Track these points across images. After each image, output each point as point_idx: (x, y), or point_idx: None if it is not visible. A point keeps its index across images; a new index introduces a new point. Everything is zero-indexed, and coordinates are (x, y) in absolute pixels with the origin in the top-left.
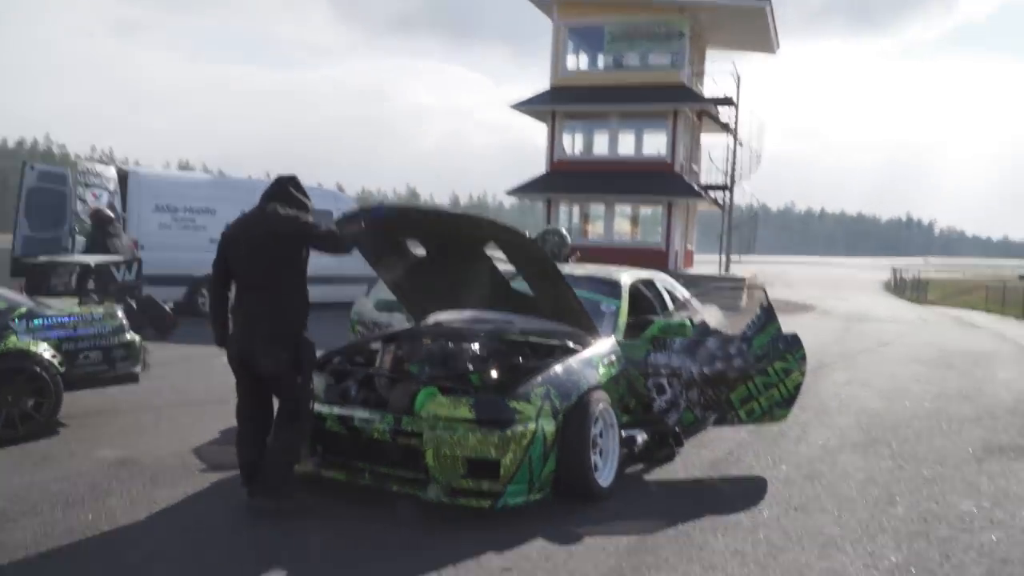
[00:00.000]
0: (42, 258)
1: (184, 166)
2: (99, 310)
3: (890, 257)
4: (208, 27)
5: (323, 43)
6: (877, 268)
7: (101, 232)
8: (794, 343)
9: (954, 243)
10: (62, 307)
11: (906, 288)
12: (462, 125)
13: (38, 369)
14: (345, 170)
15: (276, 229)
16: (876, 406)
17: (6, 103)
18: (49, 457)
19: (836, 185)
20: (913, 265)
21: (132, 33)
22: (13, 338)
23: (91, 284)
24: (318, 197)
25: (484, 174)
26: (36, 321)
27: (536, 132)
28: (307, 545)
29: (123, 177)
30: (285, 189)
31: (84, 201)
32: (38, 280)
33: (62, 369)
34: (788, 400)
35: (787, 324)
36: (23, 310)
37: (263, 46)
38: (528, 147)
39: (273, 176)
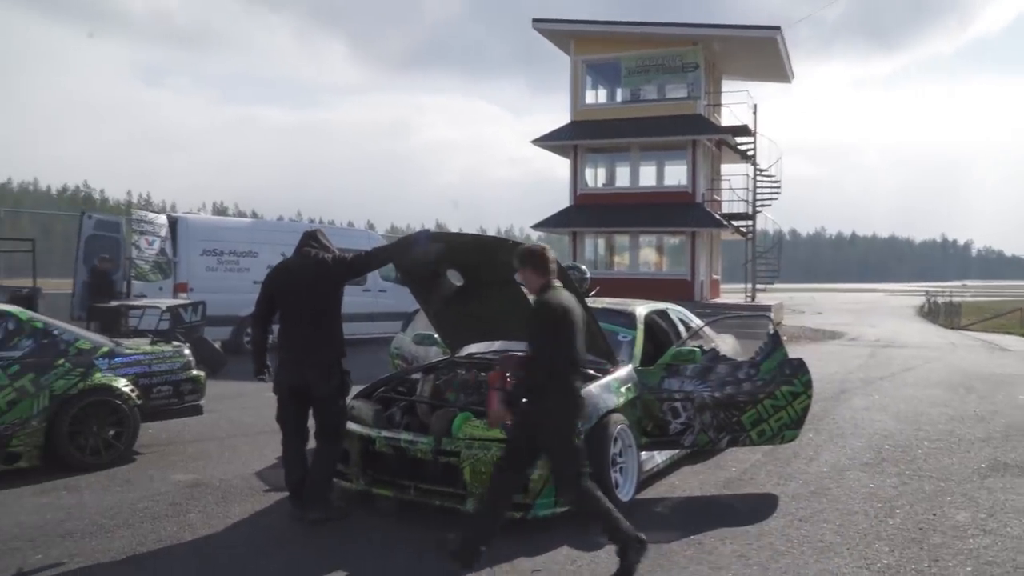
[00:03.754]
0: (113, 303)
1: (220, 209)
2: (168, 348)
3: (927, 282)
4: (232, 71)
5: (342, 82)
6: (912, 293)
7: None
8: (800, 368)
9: (992, 264)
10: (136, 346)
11: (939, 313)
12: (484, 158)
13: (119, 402)
14: (373, 207)
15: (324, 271)
16: (890, 428)
17: (45, 152)
18: (132, 480)
19: (866, 208)
20: (950, 289)
21: (160, 78)
22: (98, 374)
23: (165, 326)
24: (352, 237)
25: (508, 207)
26: (117, 359)
27: (557, 165)
28: (362, 551)
29: (172, 223)
30: (315, 238)
31: (138, 247)
32: (109, 321)
33: (139, 402)
34: (796, 422)
35: (813, 352)
36: (105, 349)
37: (285, 88)
38: (550, 180)
39: (304, 216)
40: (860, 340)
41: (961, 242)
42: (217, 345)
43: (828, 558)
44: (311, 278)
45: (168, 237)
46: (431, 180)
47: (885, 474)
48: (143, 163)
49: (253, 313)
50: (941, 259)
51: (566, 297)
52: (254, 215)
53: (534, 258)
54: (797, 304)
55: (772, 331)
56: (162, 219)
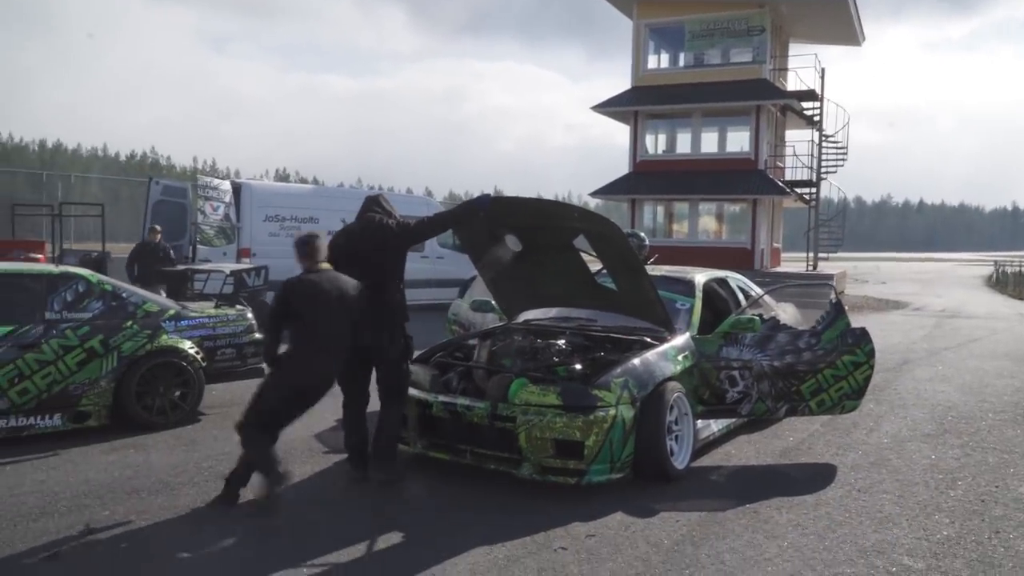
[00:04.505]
0: (180, 267)
1: (282, 175)
2: (232, 312)
3: (997, 252)
4: (294, 39)
5: (401, 50)
6: (981, 263)
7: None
8: (863, 337)
9: None
10: (202, 309)
11: (1008, 283)
12: (541, 125)
13: (185, 364)
14: (431, 174)
15: (388, 235)
16: (954, 400)
17: (113, 119)
18: (196, 440)
19: (935, 175)
20: (1020, 259)
21: (225, 46)
22: (165, 336)
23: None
24: (411, 203)
25: (566, 173)
26: (183, 322)
27: (616, 131)
28: (418, 510)
29: (236, 189)
30: (378, 203)
31: (204, 213)
32: (175, 285)
33: (204, 364)
34: (858, 392)
35: (876, 322)
36: (172, 312)
37: (346, 55)
38: (608, 146)
39: (364, 183)
40: (925, 310)
41: None
42: None
43: (887, 528)
44: (375, 242)
45: (232, 203)
46: (489, 147)
47: (947, 445)
48: (208, 130)
49: None
50: (1012, 228)
51: (321, 278)
52: (315, 182)
53: (300, 246)
54: (860, 273)
55: (834, 300)
56: (226, 185)
